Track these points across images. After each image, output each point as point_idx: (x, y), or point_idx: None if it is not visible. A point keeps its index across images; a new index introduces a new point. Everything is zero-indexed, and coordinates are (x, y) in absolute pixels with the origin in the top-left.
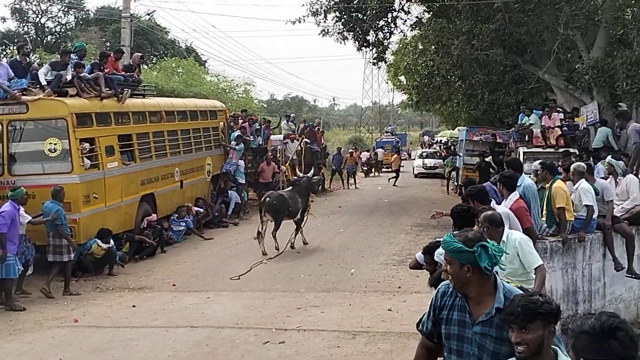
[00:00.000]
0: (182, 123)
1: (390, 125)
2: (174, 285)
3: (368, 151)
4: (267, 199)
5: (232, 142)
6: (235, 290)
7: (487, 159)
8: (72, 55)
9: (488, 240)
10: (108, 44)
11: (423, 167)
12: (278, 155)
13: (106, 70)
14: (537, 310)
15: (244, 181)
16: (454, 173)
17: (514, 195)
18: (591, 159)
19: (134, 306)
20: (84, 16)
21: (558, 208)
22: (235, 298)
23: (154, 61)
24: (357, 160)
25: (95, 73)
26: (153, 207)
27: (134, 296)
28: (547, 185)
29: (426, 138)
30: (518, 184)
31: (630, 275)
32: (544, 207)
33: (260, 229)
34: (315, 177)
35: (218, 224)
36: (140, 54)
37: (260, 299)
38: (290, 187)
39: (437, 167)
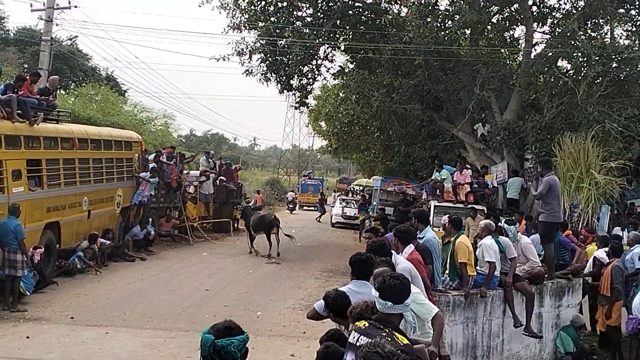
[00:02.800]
0: (95, 152)
1: (309, 170)
2: (72, 317)
3: (293, 191)
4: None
5: (144, 176)
6: (136, 327)
7: (386, 212)
8: None
9: None
10: (26, 66)
11: (342, 216)
12: (193, 191)
13: (21, 93)
14: None
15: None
16: (367, 221)
17: (409, 248)
18: (500, 217)
19: (27, 337)
20: (3, 36)
21: (460, 263)
22: (135, 335)
23: (72, 87)
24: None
25: (9, 95)
26: (57, 236)
27: (29, 327)
28: (452, 239)
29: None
30: (421, 236)
31: (527, 334)
32: (448, 261)
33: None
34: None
35: (123, 257)
36: (58, 77)
37: (161, 338)
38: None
39: (357, 217)
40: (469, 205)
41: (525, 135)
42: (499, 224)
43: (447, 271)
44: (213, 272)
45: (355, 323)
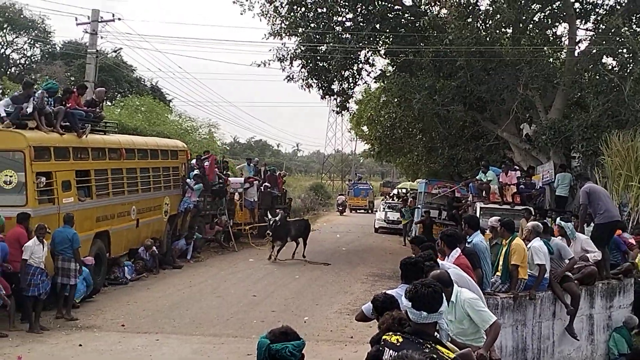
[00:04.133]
0: (142, 161)
1: (358, 175)
2: (123, 325)
3: (342, 195)
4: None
5: (190, 181)
6: (185, 333)
7: (431, 215)
8: (42, 92)
9: None
10: (73, 79)
11: (385, 221)
12: (238, 198)
13: (68, 105)
14: None
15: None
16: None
17: (456, 252)
18: (547, 218)
19: (80, 345)
20: (49, 50)
21: (511, 264)
22: (184, 342)
23: (118, 98)
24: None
25: (57, 107)
26: (107, 245)
27: (81, 335)
28: (506, 241)
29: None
30: (469, 240)
31: (568, 332)
32: (500, 264)
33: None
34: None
35: (170, 264)
36: (104, 89)
37: (211, 344)
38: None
39: (400, 221)
40: (516, 207)
41: (571, 134)
42: (549, 224)
43: (498, 273)
44: (260, 277)
45: (385, 338)
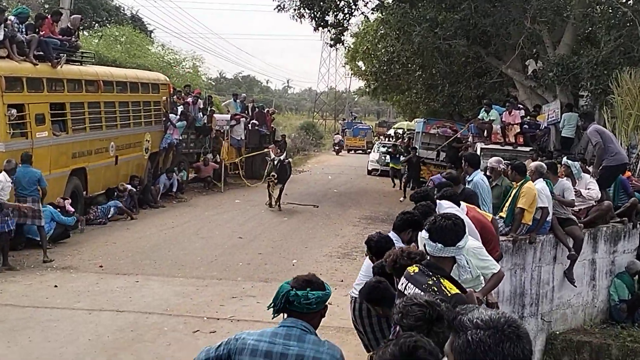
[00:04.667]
0: (121, 95)
1: (353, 114)
2: (101, 266)
3: (339, 134)
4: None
5: (173, 119)
6: (167, 275)
7: (420, 155)
8: (12, 18)
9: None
10: (47, 6)
11: (379, 162)
12: (224, 137)
13: (42, 33)
14: None
15: None
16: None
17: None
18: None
19: (55, 286)
20: None
21: (517, 207)
22: (165, 283)
23: (95, 28)
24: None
25: (30, 35)
26: (84, 182)
27: (57, 276)
28: (517, 185)
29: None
30: (469, 179)
31: (566, 276)
32: (506, 206)
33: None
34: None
35: (150, 204)
36: (80, 16)
37: (193, 286)
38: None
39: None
40: (518, 148)
41: (580, 71)
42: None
43: (502, 214)
44: (246, 219)
45: (407, 269)
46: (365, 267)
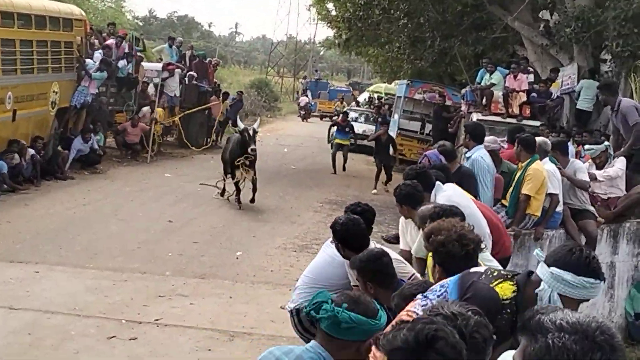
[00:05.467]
0: (23, 31)
1: (317, 71)
2: None
3: (306, 95)
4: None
5: (90, 66)
6: (76, 265)
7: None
8: None
9: None
10: None
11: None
12: (153, 93)
13: None
14: None
15: None
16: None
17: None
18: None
19: None
20: None
21: (522, 194)
22: (74, 276)
23: None
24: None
25: None
26: None
27: None
28: (522, 164)
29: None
30: (468, 155)
31: None
32: (509, 193)
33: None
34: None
35: (57, 175)
36: None
37: (109, 280)
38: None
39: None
40: (524, 121)
41: (605, 28)
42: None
43: (504, 202)
44: (178, 198)
45: None
46: (317, 265)
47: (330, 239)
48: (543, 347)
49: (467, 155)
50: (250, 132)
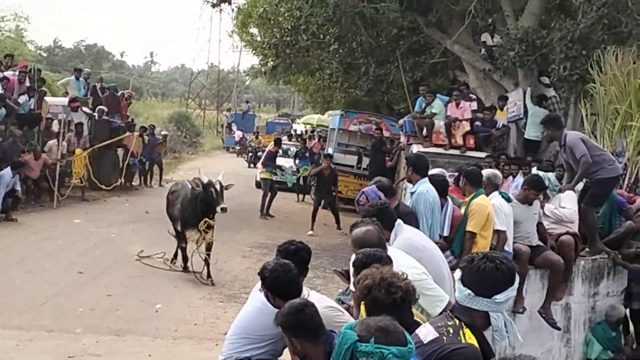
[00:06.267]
0: None
1: (246, 102)
2: None
3: (242, 130)
4: None
5: None
6: None
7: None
8: None
9: None
10: None
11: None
12: (59, 128)
13: None
14: None
15: None
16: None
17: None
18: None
19: None
20: None
21: (467, 231)
22: None
23: None
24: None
25: None
26: None
27: None
28: (466, 199)
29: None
30: (413, 190)
31: (543, 316)
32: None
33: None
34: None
35: None
36: None
37: (13, 340)
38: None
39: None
40: (467, 152)
41: (551, 50)
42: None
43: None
44: (90, 246)
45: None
46: (247, 314)
47: (259, 284)
48: None
49: (411, 189)
50: (217, 186)
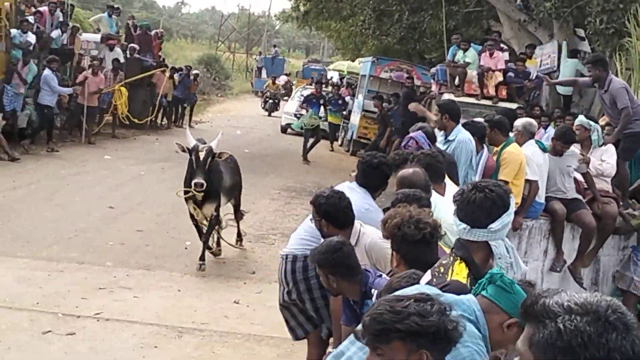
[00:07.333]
0: None
1: (274, 46)
2: None
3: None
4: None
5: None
6: (5, 254)
7: (353, 114)
8: None
9: None
10: None
11: (297, 115)
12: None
13: None
14: (394, 325)
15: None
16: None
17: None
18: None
19: None
20: None
21: (499, 180)
22: (4, 265)
23: None
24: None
25: None
26: None
27: None
28: (496, 149)
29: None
30: (451, 138)
31: (570, 272)
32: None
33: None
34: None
35: None
36: None
37: (43, 271)
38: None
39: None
40: (499, 103)
41: (587, 2)
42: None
43: None
44: (120, 183)
45: None
46: (311, 227)
47: (310, 217)
48: (554, 332)
49: (450, 137)
50: (202, 153)
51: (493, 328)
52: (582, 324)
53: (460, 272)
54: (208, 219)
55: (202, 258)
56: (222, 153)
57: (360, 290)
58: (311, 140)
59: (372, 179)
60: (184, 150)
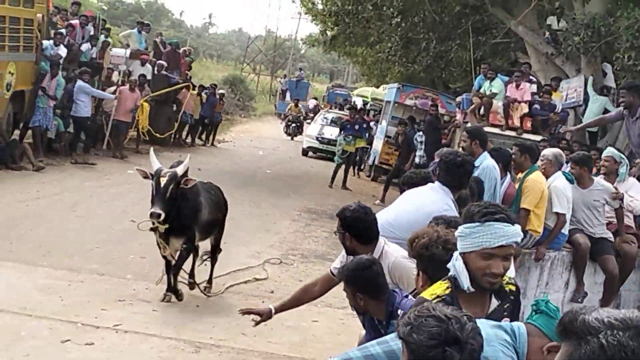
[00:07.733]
0: None
1: (300, 70)
2: None
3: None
4: None
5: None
6: (27, 262)
7: (376, 139)
8: None
9: None
10: None
11: (319, 139)
12: (118, 80)
13: None
14: None
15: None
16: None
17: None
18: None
19: None
20: None
21: (521, 208)
22: (25, 273)
23: None
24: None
25: None
26: None
27: None
28: (520, 175)
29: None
30: (477, 163)
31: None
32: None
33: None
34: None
35: (9, 164)
36: None
37: (64, 281)
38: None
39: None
40: (524, 134)
41: (616, 38)
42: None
43: None
44: (143, 197)
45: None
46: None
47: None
48: (596, 347)
49: (476, 163)
50: (165, 179)
51: (533, 350)
52: (624, 339)
53: (439, 286)
54: (177, 254)
55: (170, 290)
56: (189, 180)
57: (387, 310)
58: (343, 167)
59: (454, 177)
60: (146, 177)
